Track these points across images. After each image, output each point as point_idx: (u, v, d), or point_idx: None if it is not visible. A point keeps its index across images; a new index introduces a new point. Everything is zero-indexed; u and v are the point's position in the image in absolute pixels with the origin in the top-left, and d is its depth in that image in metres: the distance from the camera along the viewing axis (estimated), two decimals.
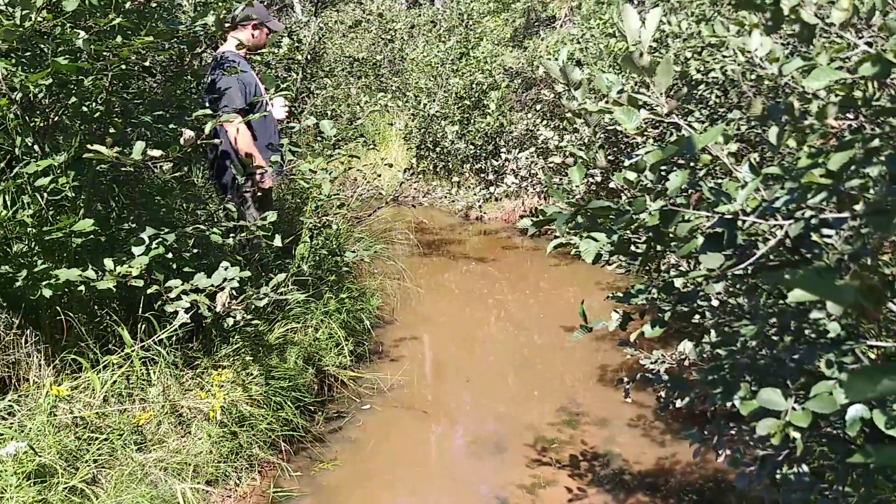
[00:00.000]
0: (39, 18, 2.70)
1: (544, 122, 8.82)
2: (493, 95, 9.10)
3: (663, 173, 1.48)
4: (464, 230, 8.62)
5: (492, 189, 8.91)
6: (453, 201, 9.11)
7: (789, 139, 1.70)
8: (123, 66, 3.14)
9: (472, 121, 9.35)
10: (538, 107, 9.11)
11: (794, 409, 1.41)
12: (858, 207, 1.36)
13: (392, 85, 10.42)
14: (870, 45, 1.75)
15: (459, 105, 9.43)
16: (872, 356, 1.75)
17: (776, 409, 1.43)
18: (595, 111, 1.49)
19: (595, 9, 10.00)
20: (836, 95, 1.64)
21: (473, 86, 9.37)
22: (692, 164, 1.90)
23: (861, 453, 1.00)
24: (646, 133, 4.34)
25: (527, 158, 8.60)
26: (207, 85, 4.42)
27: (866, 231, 1.31)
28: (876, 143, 1.44)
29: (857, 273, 1.21)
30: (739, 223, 1.33)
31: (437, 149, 9.57)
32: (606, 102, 1.56)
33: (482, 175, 9.43)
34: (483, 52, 9.49)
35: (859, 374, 0.71)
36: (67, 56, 2.95)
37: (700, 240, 1.37)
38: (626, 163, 1.37)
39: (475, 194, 9.06)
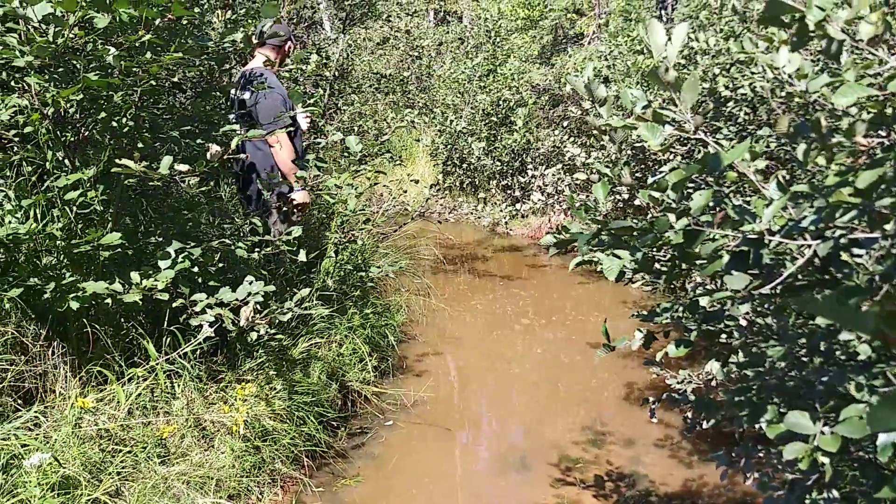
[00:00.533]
0: (71, 35, 2.74)
1: (571, 138, 8.80)
2: (520, 112, 9.10)
3: (689, 191, 1.46)
4: (489, 246, 8.61)
5: (518, 206, 8.90)
6: (479, 217, 9.10)
7: (818, 157, 1.67)
8: (153, 82, 3.17)
9: (498, 137, 9.36)
10: (565, 123, 9.11)
11: (822, 433, 1.37)
12: (889, 227, 1.33)
13: (419, 101, 10.47)
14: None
15: (486, 121, 9.45)
16: None
17: (804, 432, 1.40)
18: (619, 127, 1.47)
19: (623, 26, 9.99)
20: (868, 112, 1.61)
21: (500, 102, 9.39)
22: (719, 182, 1.88)
23: (891, 486, 0.97)
24: (672, 150, 4.31)
25: (553, 175, 8.59)
26: (238, 101, 4.47)
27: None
28: None
29: (880, 300, 1.18)
30: (765, 242, 1.30)
31: (464, 165, 9.59)
32: (631, 118, 1.55)
33: (508, 191, 9.42)
34: (510, 69, 9.51)
35: (883, 404, 0.69)
36: (98, 72, 2.99)
37: (725, 259, 1.34)
38: (650, 180, 1.35)
39: (501, 210, 9.05)
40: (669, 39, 1.47)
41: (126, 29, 2.98)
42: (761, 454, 2.29)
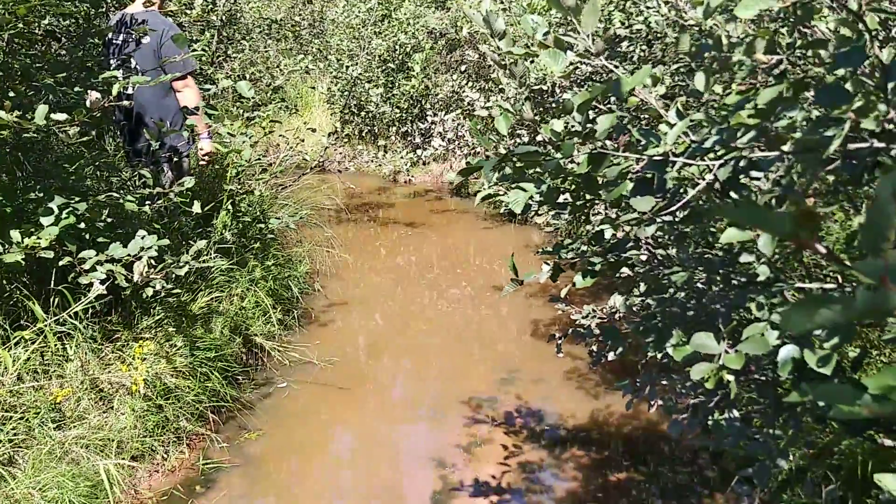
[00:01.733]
0: None
1: (469, 83, 8.75)
2: (418, 58, 8.97)
3: (592, 118, 1.44)
4: (392, 194, 8.53)
5: (419, 152, 8.83)
6: (380, 165, 8.99)
7: (715, 84, 1.68)
8: (21, 26, 2.93)
9: (396, 84, 9.21)
10: (463, 68, 9.04)
11: (727, 352, 1.40)
12: (786, 147, 1.34)
13: (313, 47, 10.17)
14: None
15: (383, 68, 9.27)
16: (798, 293, 1.77)
17: (709, 352, 1.42)
18: (520, 55, 1.43)
19: None
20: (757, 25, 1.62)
21: (397, 48, 9.22)
22: (622, 108, 1.87)
23: (798, 392, 0.99)
24: (573, 80, 4.31)
25: (453, 121, 8.54)
26: (118, 46, 4.20)
27: (795, 170, 1.30)
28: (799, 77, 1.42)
29: (793, 201, 1.20)
30: (669, 166, 1.30)
31: (362, 113, 9.41)
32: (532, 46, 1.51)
33: (409, 138, 9.32)
34: (405, 13, 9.33)
35: (797, 306, 0.68)
36: None
37: (630, 184, 1.33)
38: (554, 105, 1.32)
39: (402, 158, 8.96)
40: None
41: None
42: (665, 381, 2.36)
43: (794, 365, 1.36)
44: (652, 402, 2.40)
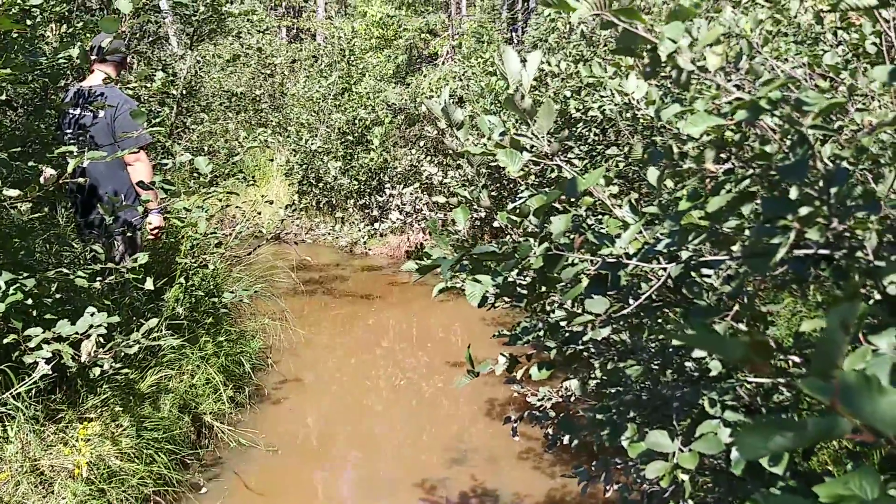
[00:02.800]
0: None
1: (428, 157, 8.88)
2: (377, 131, 9.09)
3: (546, 215, 1.47)
4: (348, 266, 8.52)
5: (376, 225, 8.87)
6: (337, 238, 9.00)
7: (667, 179, 1.73)
8: None
9: (355, 156, 9.30)
10: (422, 143, 9.17)
11: (681, 450, 1.41)
12: (735, 248, 1.38)
13: (273, 120, 10.25)
14: (738, 87, 1.81)
15: (342, 140, 9.37)
16: (750, 388, 1.79)
17: (664, 451, 1.43)
18: (478, 153, 1.47)
19: (476, 47, 10.20)
20: (708, 135, 1.68)
21: (356, 121, 9.34)
22: (574, 204, 1.91)
23: (751, 501, 0.99)
24: (528, 173, 4.39)
25: (411, 194, 8.63)
26: (74, 120, 4.18)
27: (743, 271, 1.34)
28: (747, 182, 1.47)
29: (748, 330, 1.22)
30: (623, 266, 1.33)
31: (320, 184, 9.46)
32: (489, 144, 1.54)
33: (366, 211, 9.37)
34: (366, 88, 9.49)
35: (751, 430, 0.70)
36: None
37: (584, 283, 1.35)
38: (510, 206, 1.34)
39: (360, 230, 8.99)
40: (524, 66, 1.48)
41: None
42: (619, 466, 2.35)
43: (746, 463, 1.37)
44: (607, 487, 2.40)
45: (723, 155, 1.60)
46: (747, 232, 1.40)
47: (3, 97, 3.17)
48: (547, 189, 4.66)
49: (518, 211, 1.31)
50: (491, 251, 1.30)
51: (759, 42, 2.59)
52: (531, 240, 1.28)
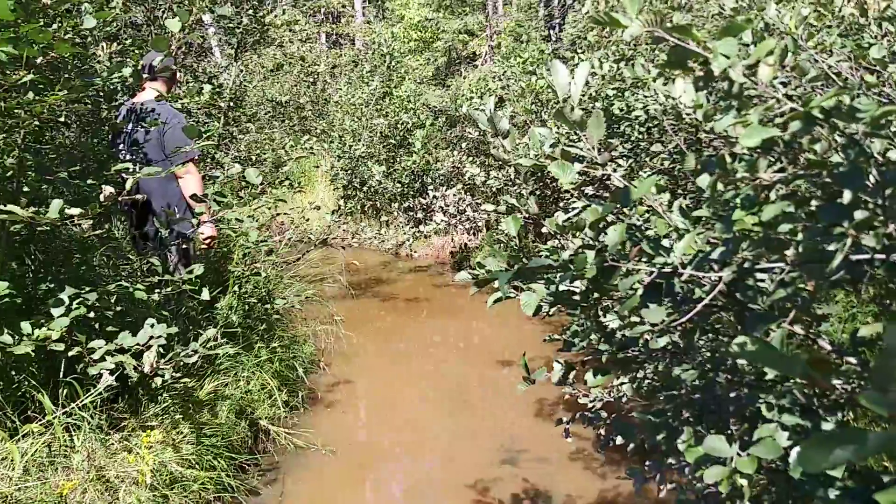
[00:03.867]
0: None
1: (470, 158, 8.91)
2: (418, 134, 9.16)
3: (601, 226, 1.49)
4: (394, 269, 8.59)
5: (421, 227, 8.93)
6: (382, 241, 9.08)
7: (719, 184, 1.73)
8: (37, 122, 3.02)
9: (398, 159, 9.37)
10: (463, 144, 9.21)
11: (739, 454, 1.42)
12: (789, 252, 1.39)
13: (317, 127, 10.37)
14: (787, 94, 1.80)
15: (385, 144, 9.45)
16: (807, 392, 1.79)
17: (721, 455, 1.44)
18: (529, 165, 1.49)
19: (514, 46, 10.20)
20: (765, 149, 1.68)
21: (398, 125, 9.41)
22: (628, 213, 1.93)
23: None
24: (583, 182, 4.41)
25: (454, 195, 8.67)
26: (128, 135, 4.31)
27: (798, 276, 1.34)
28: (800, 185, 1.48)
29: (809, 349, 1.23)
30: (678, 275, 1.34)
31: (365, 189, 9.56)
32: (539, 155, 1.57)
33: (411, 213, 9.44)
34: (406, 92, 9.55)
35: (812, 444, 0.72)
36: None
37: (639, 293, 1.37)
38: (562, 218, 1.37)
39: (404, 233, 9.06)
40: (572, 78, 1.50)
41: (5, 68, 2.83)
42: (673, 466, 2.36)
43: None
44: (661, 487, 2.40)
45: (772, 156, 1.61)
46: (800, 236, 1.40)
47: (62, 118, 3.28)
48: (594, 192, 4.64)
49: (573, 225, 1.33)
50: (547, 265, 1.32)
51: (804, 37, 2.58)
52: (588, 253, 1.30)
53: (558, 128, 4.49)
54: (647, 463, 2.39)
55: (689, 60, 1.11)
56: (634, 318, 1.53)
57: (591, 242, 1.34)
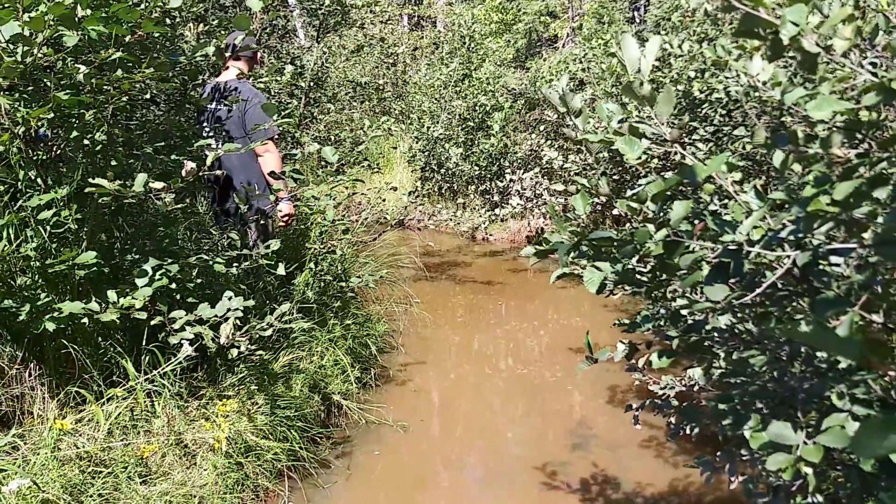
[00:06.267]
0: (40, 54, 2.70)
1: (548, 142, 8.83)
2: (497, 116, 9.11)
3: (667, 200, 1.46)
4: (470, 252, 8.60)
5: (497, 210, 8.90)
6: (458, 223, 9.10)
7: (794, 163, 1.67)
8: (125, 99, 3.13)
9: (476, 142, 9.36)
10: (542, 127, 9.13)
11: (805, 443, 1.38)
12: (867, 235, 1.33)
13: (395, 108, 10.45)
14: (873, 66, 1.72)
15: (463, 127, 9.45)
16: (883, 384, 1.72)
17: (787, 443, 1.40)
18: (595, 141, 1.47)
19: (596, 28, 10.03)
20: (841, 117, 1.61)
21: (477, 107, 9.40)
22: (696, 192, 1.88)
23: (877, 501, 0.97)
24: (649, 158, 4.32)
25: (531, 179, 8.61)
26: (212, 113, 4.43)
27: (875, 260, 1.29)
28: (883, 165, 1.41)
29: (862, 327, 1.18)
30: (745, 253, 1.30)
31: (442, 171, 9.58)
32: (607, 131, 1.54)
33: (487, 196, 9.42)
34: (486, 74, 9.52)
35: (867, 428, 0.69)
36: (69, 90, 2.95)
37: (705, 270, 1.34)
38: (628, 193, 1.35)
39: (480, 216, 9.05)
40: (643, 53, 1.47)
41: (96, 46, 2.95)
42: (745, 457, 2.30)
43: (875, 459, 1.33)
44: (732, 479, 2.35)
45: (857, 137, 1.54)
46: (880, 218, 1.34)
47: (148, 95, 3.39)
48: (670, 174, 4.56)
49: (636, 197, 1.31)
50: (608, 236, 1.31)
51: None
52: (649, 226, 1.28)
53: (630, 102, 4.39)
54: (717, 454, 2.35)
55: (760, 28, 1.07)
56: (697, 297, 1.50)
57: (654, 216, 1.31)
